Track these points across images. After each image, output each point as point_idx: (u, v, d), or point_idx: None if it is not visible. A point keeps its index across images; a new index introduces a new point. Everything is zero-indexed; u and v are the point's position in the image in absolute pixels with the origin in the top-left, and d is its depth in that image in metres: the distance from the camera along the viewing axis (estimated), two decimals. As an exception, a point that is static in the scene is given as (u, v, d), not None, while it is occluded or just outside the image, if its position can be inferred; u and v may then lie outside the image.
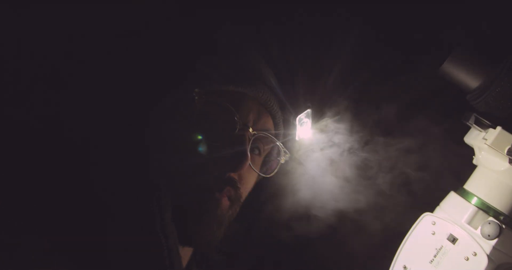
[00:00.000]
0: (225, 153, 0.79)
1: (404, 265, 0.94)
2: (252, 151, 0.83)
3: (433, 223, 0.94)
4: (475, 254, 0.86)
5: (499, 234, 0.85)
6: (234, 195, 0.82)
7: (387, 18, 1.07)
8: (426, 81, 1.02)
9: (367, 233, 1.07)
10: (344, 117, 1.04)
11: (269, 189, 1.01)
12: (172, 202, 0.74)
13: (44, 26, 0.86)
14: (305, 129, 1.00)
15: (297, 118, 0.97)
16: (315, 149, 1.02)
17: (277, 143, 0.90)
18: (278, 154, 0.92)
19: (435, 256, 0.91)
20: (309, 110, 0.98)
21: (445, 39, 0.98)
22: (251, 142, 0.83)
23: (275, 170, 0.93)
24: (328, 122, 1.03)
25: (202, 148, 0.78)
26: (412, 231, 0.96)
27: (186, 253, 0.85)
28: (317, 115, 1.01)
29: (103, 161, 0.73)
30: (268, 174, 0.92)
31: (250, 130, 0.83)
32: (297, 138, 0.98)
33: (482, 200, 0.90)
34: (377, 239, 1.07)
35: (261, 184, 0.93)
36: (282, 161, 0.93)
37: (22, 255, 0.62)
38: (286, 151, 0.92)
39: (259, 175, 0.89)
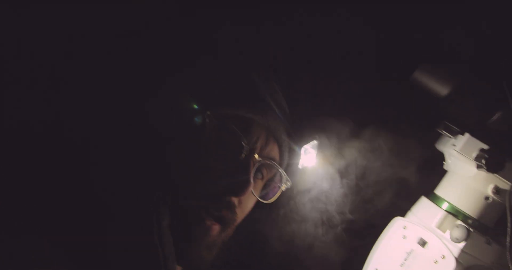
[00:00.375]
0: (228, 177, 0.80)
1: (376, 268, 0.96)
2: (255, 175, 0.84)
3: (404, 227, 0.96)
4: (444, 257, 0.88)
5: (467, 237, 0.88)
6: (229, 218, 0.83)
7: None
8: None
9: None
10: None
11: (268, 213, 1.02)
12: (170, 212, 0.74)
13: (43, 26, 0.86)
14: (309, 158, 1.02)
15: (303, 149, 0.98)
16: (317, 178, 1.05)
17: (280, 171, 0.91)
18: (280, 180, 0.93)
19: (405, 259, 0.93)
20: (315, 141, 0.99)
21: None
22: (255, 168, 0.84)
23: (276, 197, 0.93)
24: (333, 153, 1.05)
25: (206, 170, 0.78)
26: (384, 235, 0.98)
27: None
28: (323, 145, 1.02)
29: (103, 162, 0.73)
30: (268, 200, 0.92)
31: (256, 156, 0.83)
32: (300, 167, 0.99)
33: (452, 204, 0.92)
34: (352, 243, 1.09)
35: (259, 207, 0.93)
36: (283, 189, 0.93)
37: (22, 255, 0.62)
38: (288, 179, 0.92)
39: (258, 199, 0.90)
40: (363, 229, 1.06)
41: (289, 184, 0.93)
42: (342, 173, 1.06)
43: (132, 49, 0.88)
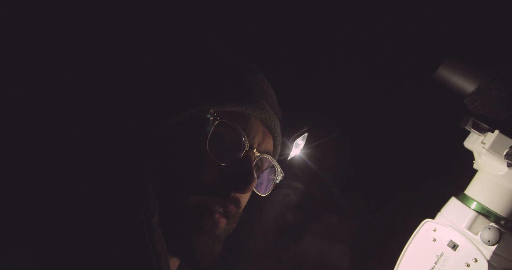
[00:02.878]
0: (232, 174, 0.80)
1: (406, 273, 0.93)
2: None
3: (434, 229, 0.92)
4: (476, 260, 0.85)
5: (499, 239, 0.84)
6: (235, 213, 0.83)
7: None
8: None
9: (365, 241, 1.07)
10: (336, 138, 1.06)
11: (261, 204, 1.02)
12: (165, 214, 0.74)
13: (43, 26, 0.88)
14: (297, 149, 1.06)
15: (295, 142, 1.00)
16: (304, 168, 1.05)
17: (275, 164, 0.91)
18: (273, 173, 0.93)
19: (436, 263, 0.89)
20: (306, 134, 1.01)
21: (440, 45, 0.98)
22: (254, 163, 0.84)
23: (270, 189, 0.94)
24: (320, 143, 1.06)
25: (209, 167, 0.79)
26: (413, 238, 0.95)
27: (174, 262, 0.85)
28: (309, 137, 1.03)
29: (96, 162, 0.73)
30: (264, 193, 0.93)
31: (255, 151, 0.84)
32: (288, 158, 1.01)
33: (482, 204, 0.88)
34: (379, 247, 1.06)
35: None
36: (277, 181, 0.94)
37: (9, 260, 0.63)
38: (282, 171, 0.93)
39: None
40: (392, 232, 1.03)
41: (281, 176, 0.93)
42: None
43: (139, 53, 0.88)
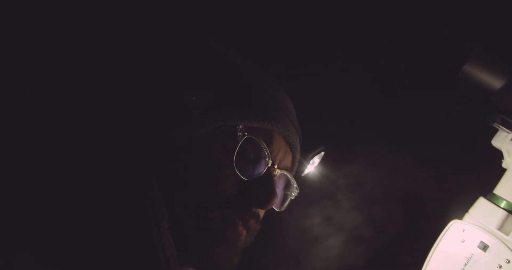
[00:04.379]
0: (254, 189, 0.79)
1: (434, 275, 0.90)
2: None
3: (463, 230, 0.90)
4: (508, 262, 0.82)
5: (533, 239, 0.81)
6: (254, 227, 0.83)
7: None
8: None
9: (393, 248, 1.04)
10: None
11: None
12: (181, 222, 0.73)
13: (43, 26, 0.88)
14: (312, 166, 1.06)
15: (312, 159, 1.00)
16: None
17: (292, 180, 0.91)
18: (288, 189, 0.93)
19: (465, 265, 0.87)
20: (323, 153, 1.01)
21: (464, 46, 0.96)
22: (275, 179, 0.84)
23: (286, 205, 0.93)
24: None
25: (233, 182, 0.78)
26: (440, 239, 0.92)
27: None
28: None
29: (105, 167, 0.72)
30: (280, 209, 0.92)
31: (276, 167, 0.83)
32: (302, 175, 1.01)
33: (512, 204, 0.86)
34: (405, 250, 1.03)
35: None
36: (293, 197, 0.93)
37: (11, 262, 0.61)
38: (298, 187, 0.92)
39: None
40: (418, 234, 1.00)
41: (297, 192, 0.92)
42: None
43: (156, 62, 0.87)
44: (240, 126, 0.79)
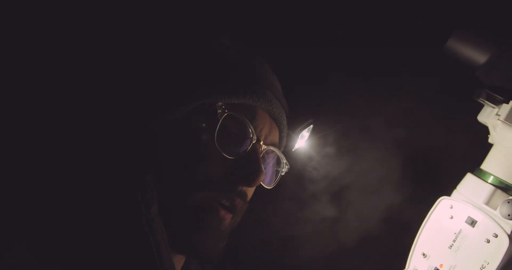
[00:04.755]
0: (239, 167, 0.78)
1: (423, 252, 0.91)
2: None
3: (451, 206, 0.90)
4: (496, 236, 0.82)
5: (520, 212, 0.81)
6: (241, 207, 0.82)
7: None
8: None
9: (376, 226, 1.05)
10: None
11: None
12: (169, 207, 0.72)
13: (41, 25, 0.87)
14: (302, 141, 1.04)
15: (301, 133, 0.98)
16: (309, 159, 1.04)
17: (281, 156, 0.89)
18: (278, 165, 0.91)
19: (454, 240, 0.87)
20: (311, 126, 0.99)
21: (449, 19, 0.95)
22: (261, 155, 0.82)
23: (276, 182, 0.92)
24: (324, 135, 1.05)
25: (217, 160, 0.77)
26: (429, 216, 0.93)
27: (180, 258, 0.83)
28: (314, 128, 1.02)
29: (94, 152, 0.71)
30: (270, 186, 0.91)
31: (262, 143, 0.82)
32: (293, 150, 0.99)
33: (500, 178, 0.86)
34: (394, 228, 1.04)
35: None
36: (283, 173, 0.92)
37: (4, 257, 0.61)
38: (287, 163, 0.91)
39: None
40: (407, 212, 1.01)
41: (287, 168, 0.91)
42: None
43: (138, 49, 0.86)
44: (219, 103, 0.77)
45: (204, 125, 0.77)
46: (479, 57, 0.86)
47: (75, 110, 0.77)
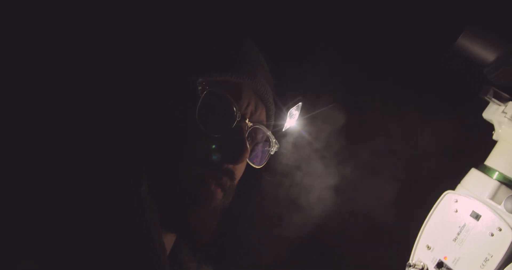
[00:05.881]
0: (224, 145, 0.78)
1: (428, 245, 0.93)
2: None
3: (455, 200, 0.92)
4: (500, 230, 0.84)
5: (524, 207, 0.84)
6: (230, 185, 0.82)
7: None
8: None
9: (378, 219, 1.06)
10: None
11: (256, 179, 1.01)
12: (158, 186, 0.73)
13: (39, 25, 0.86)
14: (292, 120, 1.04)
15: (289, 111, 0.98)
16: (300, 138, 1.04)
17: (269, 135, 0.90)
18: (268, 144, 0.92)
19: (458, 234, 0.89)
20: (300, 103, 0.99)
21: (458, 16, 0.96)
22: (247, 133, 0.83)
23: (265, 161, 0.93)
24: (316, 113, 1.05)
25: (201, 139, 0.77)
26: (434, 209, 0.95)
27: (170, 238, 0.84)
28: (304, 107, 1.02)
29: (86, 135, 0.72)
30: (259, 165, 0.91)
31: (247, 121, 0.82)
32: (283, 129, 0.99)
33: (504, 174, 0.88)
34: (399, 220, 1.06)
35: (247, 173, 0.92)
36: (272, 152, 0.92)
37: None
38: (277, 142, 0.91)
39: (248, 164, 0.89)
40: (411, 205, 1.03)
41: (277, 147, 0.91)
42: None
43: (120, 34, 0.86)
44: (200, 80, 0.78)
45: (187, 103, 0.77)
46: (489, 55, 0.87)
47: (69, 99, 0.77)
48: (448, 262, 0.89)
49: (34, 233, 0.63)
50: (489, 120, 0.95)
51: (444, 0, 1.01)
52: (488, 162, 0.93)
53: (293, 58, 1.18)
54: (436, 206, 0.95)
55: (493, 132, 0.94)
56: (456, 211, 0.91)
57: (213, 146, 0.78)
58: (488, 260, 0.84)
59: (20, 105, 0.78)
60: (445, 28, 0.94)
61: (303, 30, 1.15)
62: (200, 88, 0.77)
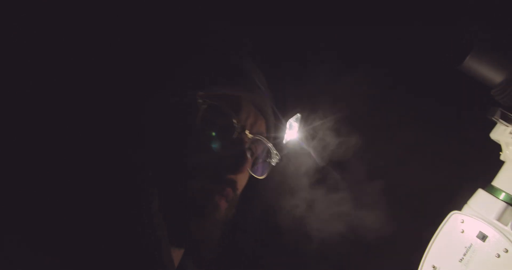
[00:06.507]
0: (225, 156, 0.79)
1: (433, 265, 0.92)
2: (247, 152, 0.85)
3: (462, 221, 0.92)
4: (507, 251, 0.84)
5: (531, 229, 0.83)
6: (232, 196, 0.83)
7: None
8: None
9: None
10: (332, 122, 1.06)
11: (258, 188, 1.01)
12: (166, 200, 0.73)
13: (38, 25, 0.87)
14: (292, 132, 1.05)
15: (288, 122, 0.99)
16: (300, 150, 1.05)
17: (270, 146, 0.91)
18: (269, 156, 0.93)
19: (464, 254, 0.89)
20: (298, 115, 1.00)
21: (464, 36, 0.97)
22: (247, 145, 0.84)
23: (267, 172, 0.94)
24: (315, 126, 1.06)
25: (203, 151, 0.79)
26: (440, 230, 0.94)
27: (178, 253, 0.84)
28: (304, 119, 1.03)
29: (95, 151, 0.73)
30: (261, 176, 0.92)
31: (247, 132, 0.84)
32: (284, 141, 1.00)
33: (511, 195, 0.88)
34: (403, 240, 1.05)
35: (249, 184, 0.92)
36: (273, 164, 0.93)
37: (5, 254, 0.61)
38: (277, 153, 0.93)
39: (250, 176, 0.90)
40: (417, 225, 1.02)
41: (277, 158, 0.92)
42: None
43: (123, 46, 0.87)
44: (200, 93, 0.79)
45: (189, 117, 0.79)
46: (496, 76, 0.88)
47: (75, 109, 0.78)
48: (454, 283, 0.88)
49: (43, 247, 0.64)
50: (496, 141, 0.95)
51: (450, 19, 1.02)
52: (495, 182, 0.92)
53: (293, 58, 1.18)
54: (442, 227, 0.94)
55: (500, 152, 0.94)
56: (463, 231, 0.90)
57: (215, 158, 0.79)
58: (495, 281, 0.83)
59: (20, 105, 0.79)
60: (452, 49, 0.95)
61: (303, 30, 1.16)
62: (200, 101, 0.79)
